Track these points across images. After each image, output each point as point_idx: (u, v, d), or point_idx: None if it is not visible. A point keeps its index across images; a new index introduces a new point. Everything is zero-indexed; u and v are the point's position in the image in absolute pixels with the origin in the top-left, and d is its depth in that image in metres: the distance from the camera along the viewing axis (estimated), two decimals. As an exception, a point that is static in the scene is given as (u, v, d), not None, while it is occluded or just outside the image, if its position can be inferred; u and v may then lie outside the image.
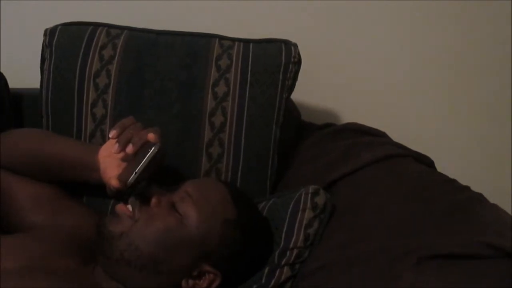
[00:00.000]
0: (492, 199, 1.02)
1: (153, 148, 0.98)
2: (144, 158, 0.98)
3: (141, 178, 1.00)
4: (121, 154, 1.02)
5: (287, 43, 1.27)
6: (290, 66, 1.24)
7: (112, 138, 1.02)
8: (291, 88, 1.26)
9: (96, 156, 1.07)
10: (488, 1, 1.53)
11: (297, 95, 1.34)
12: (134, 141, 1.00)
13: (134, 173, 0.98)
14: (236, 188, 1.13)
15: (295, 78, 1.26)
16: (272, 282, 1.01)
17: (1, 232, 1.06)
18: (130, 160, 1.01)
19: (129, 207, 1.01)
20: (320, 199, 1.07)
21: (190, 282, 1.00)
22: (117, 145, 1.00)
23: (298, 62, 1.25)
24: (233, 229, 1.01)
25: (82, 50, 1.23)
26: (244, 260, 1.03)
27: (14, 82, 1.32)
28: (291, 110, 1.39)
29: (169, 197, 1.02)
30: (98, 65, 1.22)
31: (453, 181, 1.10)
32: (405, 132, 1.37)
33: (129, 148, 0.99)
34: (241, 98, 1.22)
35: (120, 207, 1.01)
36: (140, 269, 0.98)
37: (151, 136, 1.00)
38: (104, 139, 1.21)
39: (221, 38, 1.28)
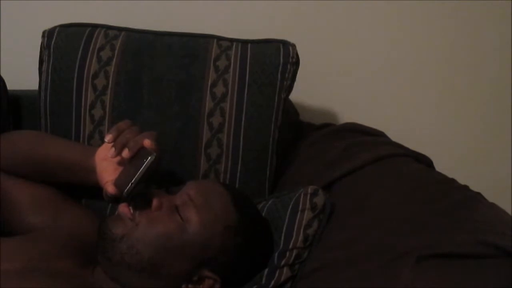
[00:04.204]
0: (490, 199, 1.02)
1: (149, 158, 0.97)
2: (140, 168, 0.97)
3: (137, 186, 0.99)
4: (117, 158, 1.02)
5: (285, 44, 1.27)
6: (288, 66, 1.24)
7: (108, 142, 1.01)
8: (290, 88, 1.26)
9: (93, 158, 1.07)
10: (488, 1, 1.53)
11: (295, 96, 1.35)
12: (130, 146, 0.99)
13: (130, 183, 0.97)
14: (239, 192, 1.12)
15: (293, 79, 1.26)
16: (272, 283, 1.01)
17: (1, 234, 1.06)
18: (126, 164, 1.01)
19: (131, 208, 1.00)
20: (319, 200, 1.07)
21: (190, 286, 1.00)
22: (113, 149, 1.00)
23: (296, 63, 1.25)
24: (234, 235, 1.01)
25: (80, 52, 1.23)
26: (245, 265, 1.03)
27: (13, 84, 1.32)
28: (290, 111, 1.39)
29: (170, 200, 1.02)
30: (96, 66, 1.22)
31: (452, 181, 1.10)
32: (404, 132, 1.37)
33: (125, 153, 0.99)
34: (240, 98, 1.22)
35: (122, 207, 1.00)
36: (140, 273, 0.98)
37: (147, 142, 1.00)
38: (103, 140, 1.20)
39: (219, 38, 1.28)
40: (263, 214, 1.13)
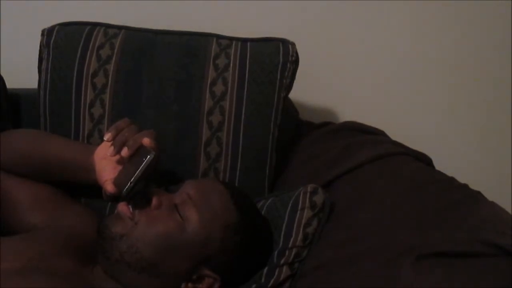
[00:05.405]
0: (490, 198, 1.02)
1: (148, 157, 0.97)
2: (140, 166, 0.97)
3: (136, 185, 0.99)
4: (117, 157, 1.01)
5: (284, 42, 1.26)
6: (288, 65, 1.24)
7: (107, 141, 1.01)
8: (289, 87, 1.26)
9: (92, 157, 1.07)
10: (488, 1, 1.53)
11: (295, 94, 1.34)
12: (129, 144, 0.99)
13: (129, 182, 0.97)
14: (238, 190, 1.12)
15: (293, 77, 1.26)
16: (271, 282, 1.01)
17: (1, 234, 1.06)
18: (125, 163, 1.01)
19: (130, 207, 1.00)
20: (319, 198, 1.07)
21: (190, 285, 1.00)
22: (112, 148, 0.99)
23: (296, 61, 1.25)
24: (234, 234, 1.01)
25: (79, 50, 1.22)
26: (244, 263, 1.03)
27: (12, 83, 1.32)
28: (289, 109, 1.39)
29: (170, 199, 1.02)
30: (95, 65, 1.22)
31: (452, 179, 1.10)
32: (404, 130, 1.37)
33: (125, 152, 0.98)
34: (239, 97, 1.21)
35: (121, 206, 1.00)
36: (140, 271, 0.97)
37: (146, 141, 1.00)
38: (102, 139, 1.20)
39: (219, 37, 1.27)
40: (263, 212, 1.13)
